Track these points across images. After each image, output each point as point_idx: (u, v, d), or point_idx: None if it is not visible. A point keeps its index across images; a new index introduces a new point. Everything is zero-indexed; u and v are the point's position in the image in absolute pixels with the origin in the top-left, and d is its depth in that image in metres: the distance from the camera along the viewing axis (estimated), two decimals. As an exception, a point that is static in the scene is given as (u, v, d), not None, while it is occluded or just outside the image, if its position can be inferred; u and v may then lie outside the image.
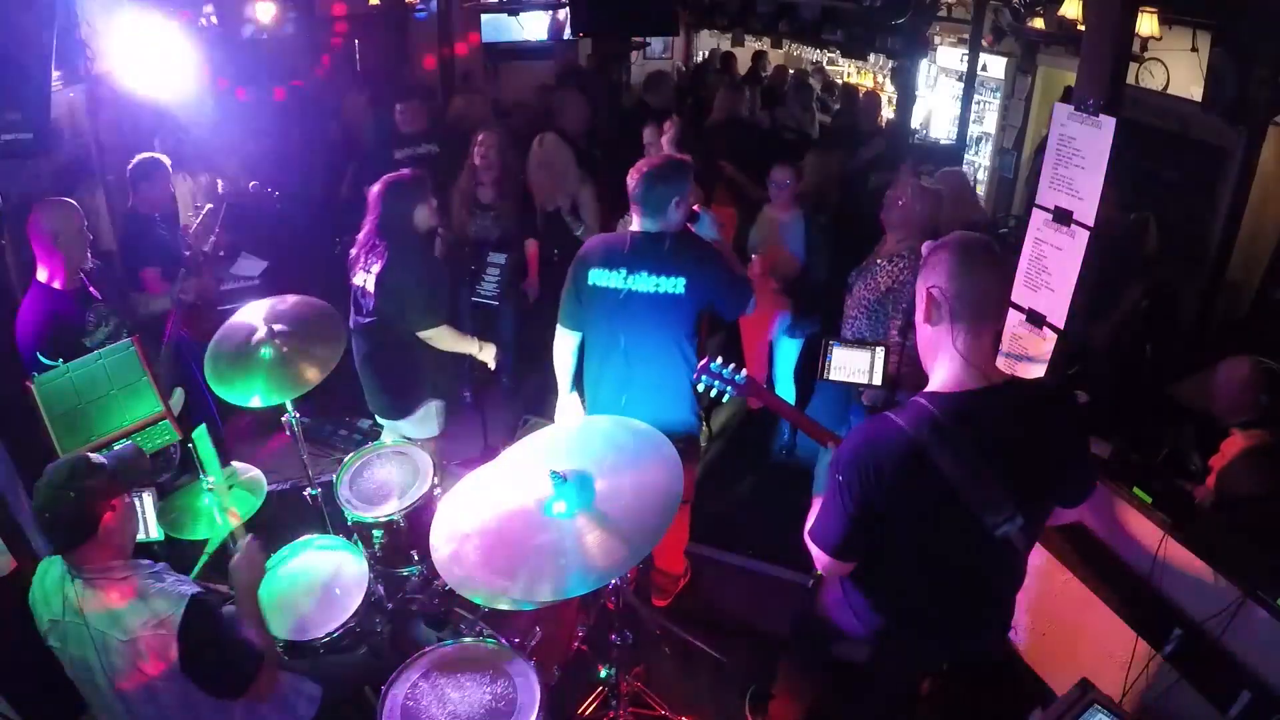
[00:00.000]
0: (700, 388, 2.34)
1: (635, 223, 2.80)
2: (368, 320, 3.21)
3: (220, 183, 4.74)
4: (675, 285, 2.74)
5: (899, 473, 1.68)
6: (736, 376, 2.28)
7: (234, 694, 1.93)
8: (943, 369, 1.74)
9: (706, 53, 10.01)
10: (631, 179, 2.75)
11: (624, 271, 2.76)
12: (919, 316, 1.78)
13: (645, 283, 2.74)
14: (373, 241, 3.13)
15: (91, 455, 1.89)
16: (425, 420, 3.43)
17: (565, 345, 3.01)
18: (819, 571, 1.94)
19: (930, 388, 1.76)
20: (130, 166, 3.72)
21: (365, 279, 3.16)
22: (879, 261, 3.37)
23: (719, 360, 2.32)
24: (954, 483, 1.66)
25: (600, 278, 2.79)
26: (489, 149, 4.20)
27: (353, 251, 3.21)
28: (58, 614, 1.85)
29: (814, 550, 1.87)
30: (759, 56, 9.51)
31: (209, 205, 3.92)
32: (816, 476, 2.02)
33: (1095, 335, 3.84)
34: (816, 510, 1.89)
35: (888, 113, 8.40)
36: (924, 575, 1.85)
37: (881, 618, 1.97)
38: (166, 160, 3.80)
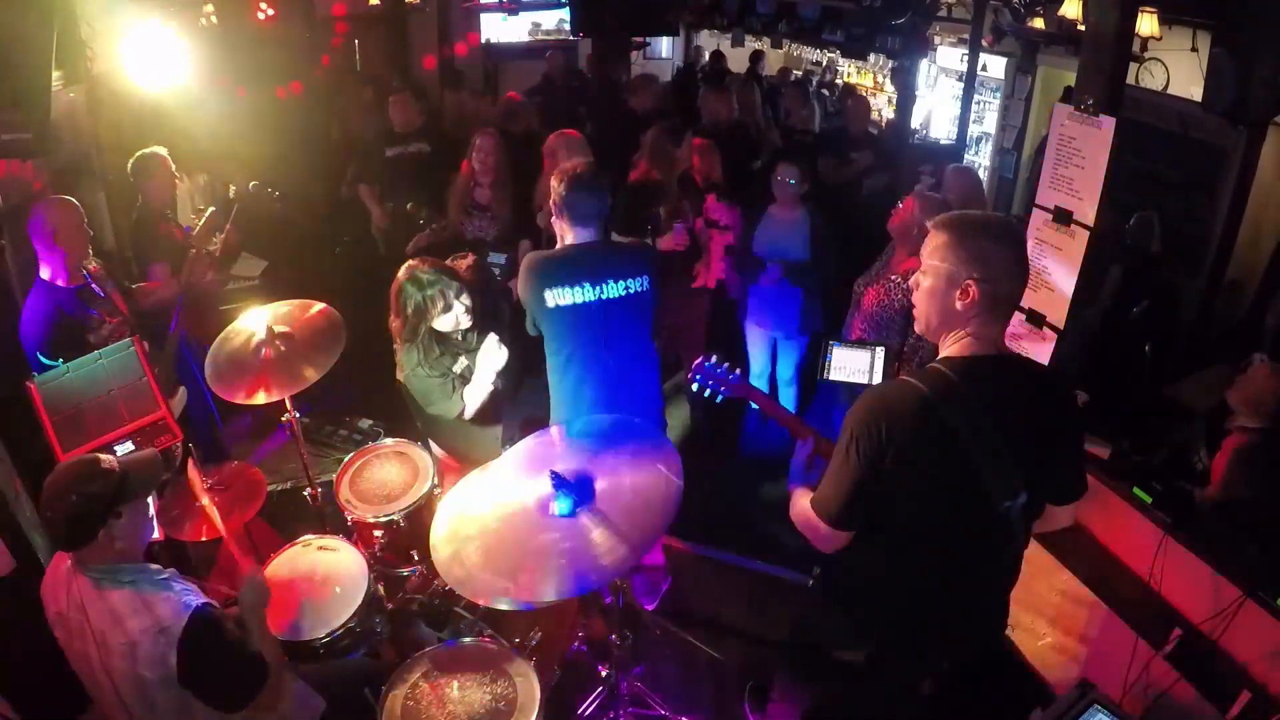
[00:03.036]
0: (695, 388, 2.34)
1: (577, 234, 2.74)
2: None
3: (232, 187, 4.75)
4: (642, 284, 2.77)
5: (909, 428, 1.67)
6: (730, 376, 2.28)
7: (232, 708, 1.91)
8: (957, 342, 1.75)
9: (706, 54, 10.02)
10: (574, 192, 2.67)
11: (588, 285, 2.72)
12: (944, 295, 1.71)
13: (617, 289, 2.74)
14: None
15: (103, 458, 1.85)
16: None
17: None
18: (817, 547, 1.90)
19: (943, 355, 1.77)
20: (131, 162, 3.74)
21: None
22: (894, 278, 3.32)
23: (714, 359, 2.32)
24: (963, 443, 1.66)
25: (563, 296, 2.71)
26: (488, 151, 4.23)
27: None
28: (63, 607, 1.85)
29: (809, 522, 1.85)
30: (757, 56, 9.52)
31: (211, 208, 3.93)
32: (792, 469, 2.02)
33: (1089, 319, 3.84)
34: (797, 497, 1.91)
35: (888, 113, 8.42)
36: (923, 564, 1.84)
37: (876, 615, 1.96)
38: (164, 151, 3.81)
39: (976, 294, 1.66)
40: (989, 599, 1.96)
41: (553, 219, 2.82)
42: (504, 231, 4.35)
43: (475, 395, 2.93)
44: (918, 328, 1.84)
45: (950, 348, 1.76)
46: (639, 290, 2.77)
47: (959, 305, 1.69)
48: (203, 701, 1.85)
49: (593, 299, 2.73)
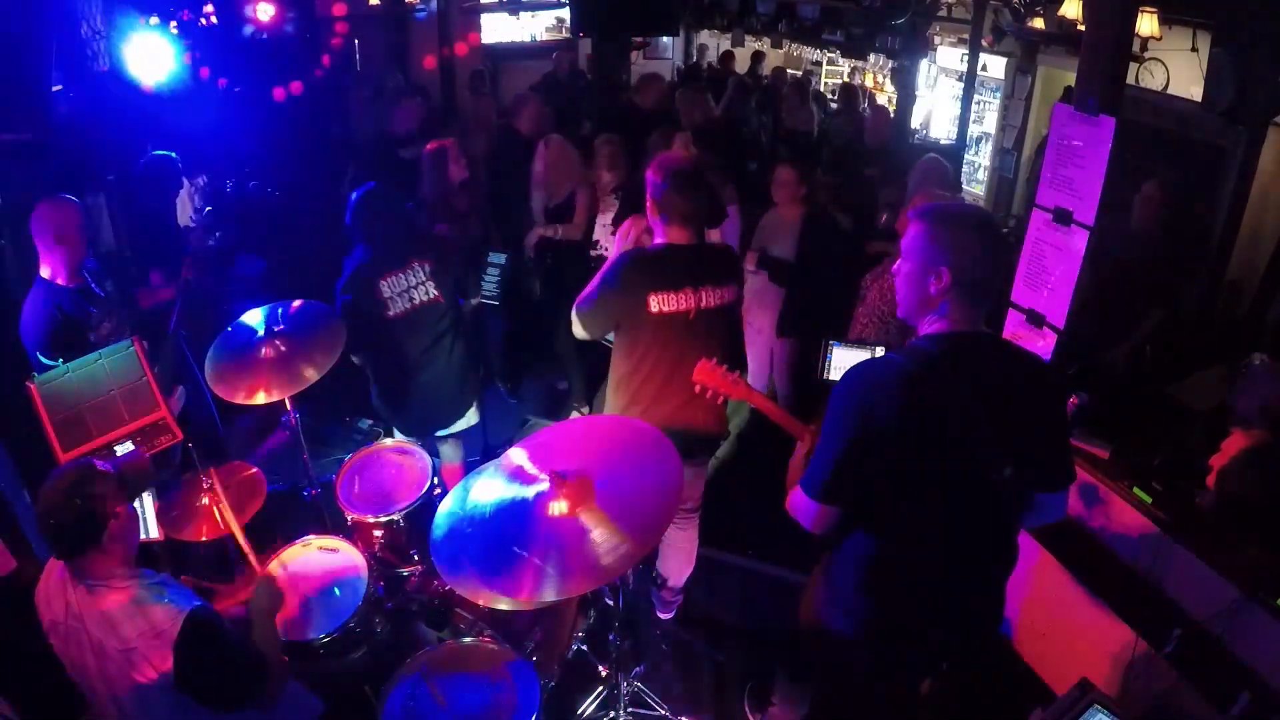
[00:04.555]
0: (696, 389, 2.34)
1: (674, 234, 2.64)
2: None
3: (229, 182, 4.77)
4: (733, 292, 2.71)
5: (890, 399, 1.72)
6: (729, 378, 2.30)
7: (230, 708, 1.91)
8: (934, 321, 1.81)
9: (711, 54, 10.04)
10: (679, 192, 2.56)
11: (690, 291, 2.63)
12: (920, 281, 1.78)
13: (712, 296, 2.66)
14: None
15: (97, 462, 1.87)
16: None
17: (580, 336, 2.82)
18: (807, 528, 1.91)
19: (923, 333, 1.83)
20: (143, 164, 3.74)
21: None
22: None
23: (714, 360, 2.33)
24: (944, 414, 1.70)
25: (667, 302, 2.61)
26: (452, 159, 4.20)
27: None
28: (59, 615, 1.85)
29: (798, 501, 1.87)
30: (758, 57, 9.54)
31: (208, 208, 3.95)
32: (790, 467, 2.03)
33: (1115, 355, 3.87)
34: (794, 494, 1.91)
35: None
36: (912, 540, 1.85)
37: (871, 605, 1.96)
38: (176, 158, 3.83)
39: (948, 280, 1.74)
40: (981, 581, 1.95)
41: (645, 212, 2.71)
42: (487, 232, 4.38)
43: None
44: (899, 311, 1.91)
45: (930, 327, 1.82)
46: (731, 299, 2.70)
47: (933, 290, 1.77)
48: (201, 703, 1.85)
49: (692, 306, 2.63)
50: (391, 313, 3.08)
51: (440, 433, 3.43)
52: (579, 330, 2.77)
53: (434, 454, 3.35)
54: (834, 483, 1.81)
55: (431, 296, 3.14)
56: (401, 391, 3.27)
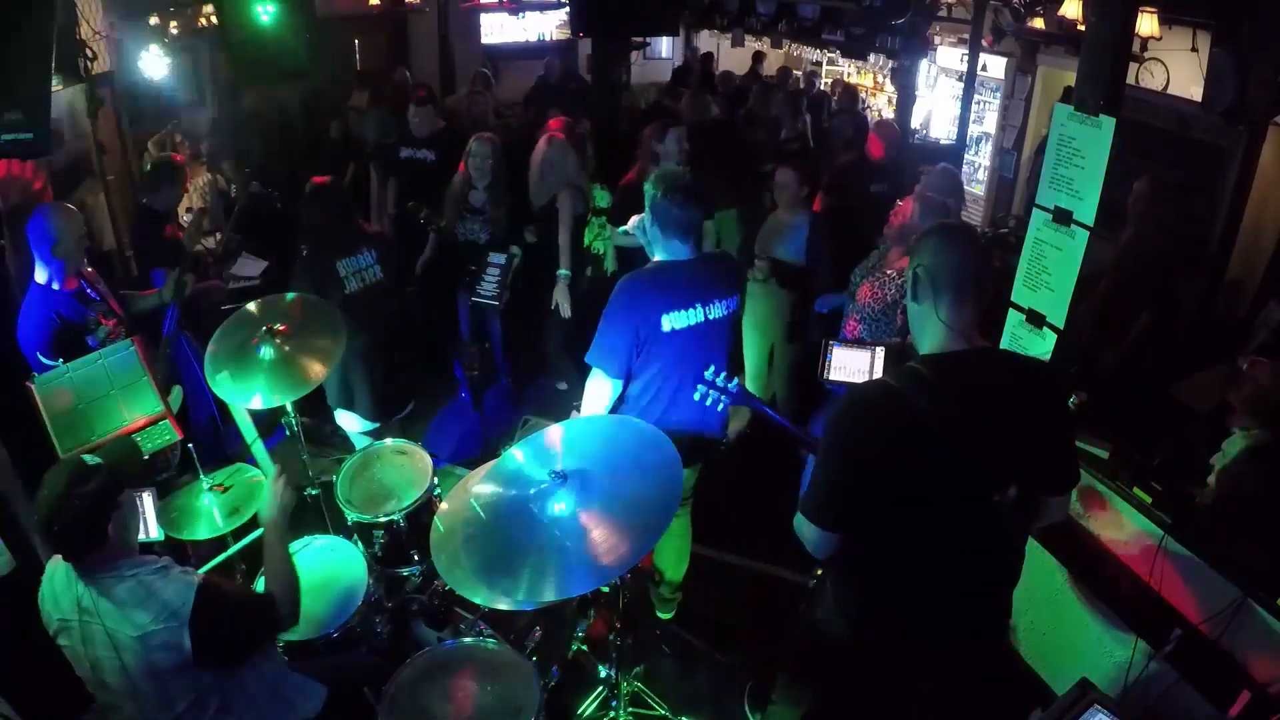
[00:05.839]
0: (696, 396, 2.34)
1: (675, 248, 2.60)
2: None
3: (230, 180, 4.77)
4: (735, 302, 2.70)
5: (886, 425, 1.71)
6: (730, 385, 2.29)
7: (254, 652, 1.98)
8: (929, 338, 1.82)
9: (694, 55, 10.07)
10: (677, 204, 2.50)
11: (699, 306, 2.60)
12: (908, 296, 1.87)
13: (717, 310, 2.64)
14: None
15: (85, 457, 1.87)
16: None
17: (606, 395, 2.62)
18: (810, 551, 1.91)
19: (921, 353, 1.84)
20: (149, 166, 3.76)
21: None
22: (889, 273, 3.32)
23: (712, 369, 2.33)
24: (941, 437, 1.67)
25: (678, 320, 2.57)
26: (484, 156, 4.24)
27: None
28: (68, 614, 1.85)
29: (801, 528, 1.87)
30: (758, 57, 9.54)
31: (201, 207, 3.97)
32: (804, 484, 2.02)
33: (1106, 360, 3.88)
34: (799, 517, 1.90)
35: (888, 113, 8.41)
36: (914, 561, 1.84)
37: (870, 613, 1.96)
38: (182, 162, 3.86)
39: (914, 278, 1.81)
40: (984, 593, 1.94)
41: (644, 224, 2.65)
42: (497, 234, 4.38)
43: None
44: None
45: (924, 346, 1.84)
46: (734, 309, 2.69)
47: (918, 298, 1.82)
48: (227, 666, 1.91)
49: (700, 321, 2.61)
50: (348, 290, 3.34)
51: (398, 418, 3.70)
52: (601, 391, 2.61)
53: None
54: (832, 509, 1.80)
55: (379, 278, 3.46)
56: (361, 372, 3.47)
